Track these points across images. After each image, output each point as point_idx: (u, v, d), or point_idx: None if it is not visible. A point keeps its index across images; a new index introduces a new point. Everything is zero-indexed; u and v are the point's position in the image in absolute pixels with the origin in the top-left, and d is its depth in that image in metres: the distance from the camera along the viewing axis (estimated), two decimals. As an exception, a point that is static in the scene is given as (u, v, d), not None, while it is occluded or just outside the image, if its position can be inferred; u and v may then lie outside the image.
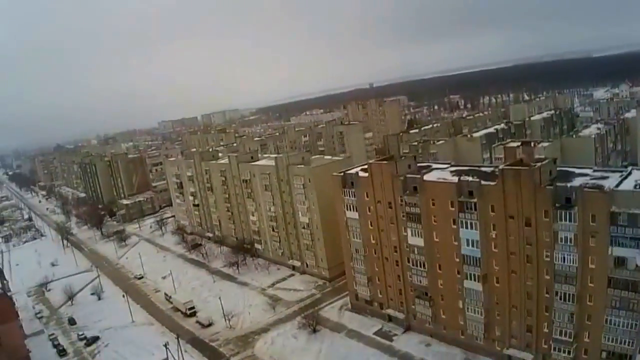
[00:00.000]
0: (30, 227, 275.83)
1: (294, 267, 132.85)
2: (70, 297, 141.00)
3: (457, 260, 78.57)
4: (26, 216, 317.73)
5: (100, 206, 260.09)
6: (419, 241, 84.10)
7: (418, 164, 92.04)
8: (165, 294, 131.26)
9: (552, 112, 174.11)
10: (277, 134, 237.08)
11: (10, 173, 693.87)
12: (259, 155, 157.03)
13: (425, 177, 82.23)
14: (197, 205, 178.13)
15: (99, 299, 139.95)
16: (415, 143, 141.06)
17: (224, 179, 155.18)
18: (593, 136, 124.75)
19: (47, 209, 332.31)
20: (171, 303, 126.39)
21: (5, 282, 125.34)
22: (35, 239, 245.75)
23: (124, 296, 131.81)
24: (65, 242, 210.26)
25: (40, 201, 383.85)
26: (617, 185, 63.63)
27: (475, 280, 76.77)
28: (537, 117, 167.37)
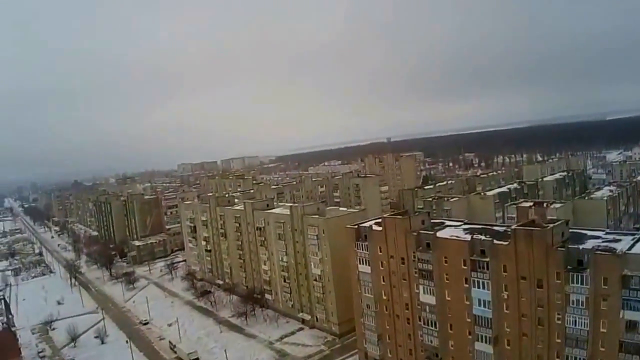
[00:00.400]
0: (40, 263, 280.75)
1: (303, 321, 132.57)
2: (74, 338, 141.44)
3: (469, 320, 78.77)
4: (37, 251, 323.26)
5: (111, 246, 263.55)
6: (430, 299, 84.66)
7: (432, 220, 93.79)
8: (170, 343, 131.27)
9: (565, 173, 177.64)
10: (295, 182, 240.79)
11: (25, 206, 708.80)
12: (275, 203, 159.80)
13: (439, 234, 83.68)
14: (209, 250, 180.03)
15: (102, 342, 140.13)
16: (430, 199, 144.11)
17: (238, 225, 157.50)
18: (605, 198, 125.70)
19: (59, 245, 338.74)
20: (175, 352, 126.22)
21: (10, 316, 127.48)
22: (44, 274, 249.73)
23: (127, 342, 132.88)
24: (73, 280, 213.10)
25: (52, 237, 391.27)
26: (630, 249, 64.70)
27: (486, 342, 76.67)
28: (549, 178, 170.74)
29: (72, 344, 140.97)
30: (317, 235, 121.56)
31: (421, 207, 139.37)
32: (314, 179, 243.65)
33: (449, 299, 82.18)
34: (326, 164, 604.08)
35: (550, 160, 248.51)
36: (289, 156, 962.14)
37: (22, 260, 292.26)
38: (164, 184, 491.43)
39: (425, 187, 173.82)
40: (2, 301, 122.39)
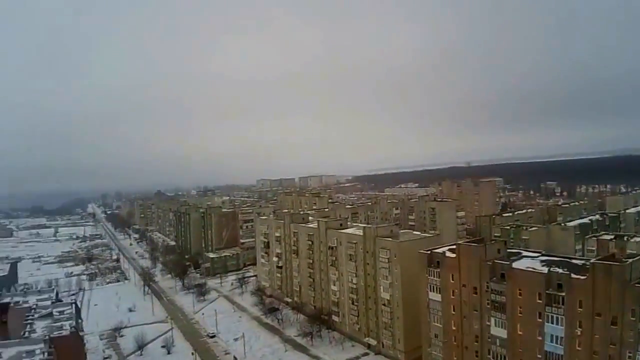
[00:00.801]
0: (117, 269, 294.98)
1: (369, 346, 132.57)
2: (141, 346, 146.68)
3: (539, 356, 77.17)
4: (115, 257, 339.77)
5: (186, 256, 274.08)
6: (501, 332, 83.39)
7: (508, 250, 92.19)
8: (235, 358, 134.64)
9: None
10: (370, 203, 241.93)
11: (108, 212, 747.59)
12: (349, 223, 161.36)
13: (514, 265, 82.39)
14: (281, 267, 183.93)
15: (169, 353, 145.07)
16: (508, 227, 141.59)
17: (310, 243, 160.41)
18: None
19: (137, 252, 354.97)
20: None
21: (80, 321, 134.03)
22: (119, 281, 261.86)
23: (193, 354, 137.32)
24: (146, 288, 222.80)
25: (131, 244, 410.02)
26: None
27: (556, 381, 74.53)
28: (632, 210, 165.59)
29: (139, 352, 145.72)
30: (388, 259, 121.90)
31: (498, 235, 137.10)
32: (389, 201, 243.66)
33: (520, 333, 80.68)
34: (402, 186, 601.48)
35: (635, 192, 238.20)
36: (365, 177, 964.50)
37: (99, 266, 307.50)
38: (242, 198, 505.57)
39: (504, 215, 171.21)
40: (74, 305, 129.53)
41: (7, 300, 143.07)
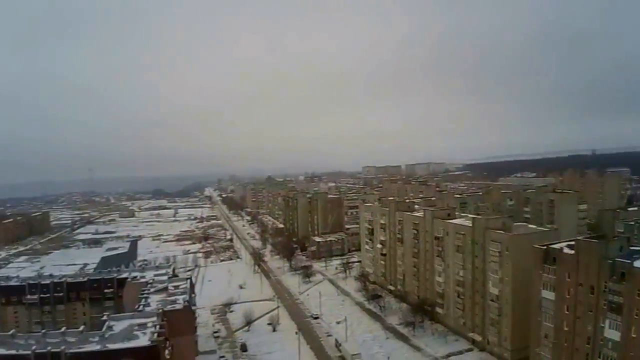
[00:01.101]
0: (230, 248, 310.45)
1: (473, 341, 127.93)
2: (249, 322, 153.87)
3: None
4: (228, 237, 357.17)
5: (294, 239, 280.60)
6: (615, 335, 77.10)
7: (631, 247, 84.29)
8: (336, 341, 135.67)
9: None
10: (480, 193, 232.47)
11: (223, 196, 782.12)
12: (457, 213, 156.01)
13: (635, 264, 75.22)
14: (385, 254, 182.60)
15: (274, 330, 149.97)
16: (632, 223, 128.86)
17: (416, 232, 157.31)
18: None
19: (248, 233, 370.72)
20: (340, 351, 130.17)
21: (193, 295, 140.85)
22: (231, 259, 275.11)
23: (296, 333, 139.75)
24: (256, 267, 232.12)
25: (243, 225, 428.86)
26: None
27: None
28: None
29: (247, 327, 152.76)
30: (499, 252, 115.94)
31: (621, 231, 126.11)
32: (502, 191, 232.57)
33: (634, 336, 74.01)
34: (518, 175, 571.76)
35: None
36: (477, 164, 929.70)
37: (214, 245, 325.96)
38: (348, 185, 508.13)
39: (629, 209, 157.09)
40: (188, 281, 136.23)
41: (125, 275, 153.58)
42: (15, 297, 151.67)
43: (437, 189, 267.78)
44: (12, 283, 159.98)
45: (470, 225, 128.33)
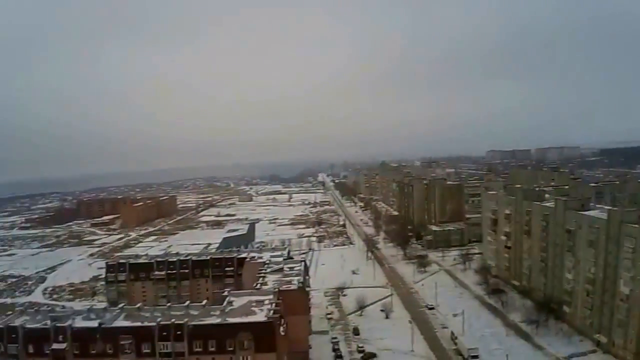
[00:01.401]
0: (342, 234, 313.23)
1: (598, 343, 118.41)
2: (361, 307, 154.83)
3: None
4: (341, 222, 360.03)
5: (409, 227, 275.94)
6: None
7: None
8: (452, 333, 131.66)
9: None
10: (618, 182, 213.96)
11: (336, 181, 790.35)
12: (592, 204, 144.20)
13: None
14: (509, 247, 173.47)
15: (387, 317, 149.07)
16: None
17: (545, 224, 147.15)
18: None
19: (361, 220, 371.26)
20: (456, 344, 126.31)
21: (307, 277, 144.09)
22: (344, 245, 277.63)
23: (410, 322, 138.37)
24: (369, 254, 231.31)
25: (356, 211, 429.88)
26: None
27: None
28: None
29: (359, 312, 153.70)
30: (633, 249, 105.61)
31: None
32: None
33: None
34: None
35: None
36: (615, 150, 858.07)
37: (327, 230, 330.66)
38: (469, 171, 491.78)
39: None
40: (303, 263, 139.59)
41: (244, 255, 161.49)
42: (144, 273, 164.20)
43: (571, 176, 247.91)
44: (141, 261, 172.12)
45: (606, 218, 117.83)
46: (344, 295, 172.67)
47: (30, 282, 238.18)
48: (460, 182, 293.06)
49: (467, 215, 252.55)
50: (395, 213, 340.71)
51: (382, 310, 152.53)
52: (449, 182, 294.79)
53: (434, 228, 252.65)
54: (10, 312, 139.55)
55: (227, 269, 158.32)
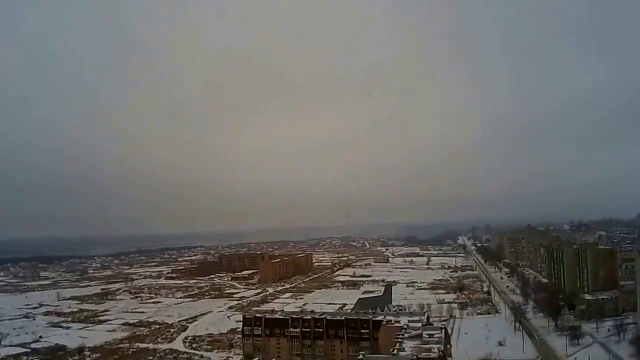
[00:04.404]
0: (487, 301, 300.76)
1: None
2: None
3: None
4: (485, 289, 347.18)
5: (560, 296, 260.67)
6: None
7: None
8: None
9: None
10: None
11: (479, 245, 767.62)
12: None
13: None
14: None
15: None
16: None
17: None
18: None
19: (507, 287, 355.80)
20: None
21: (449, 346, 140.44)
22: (489, 313, 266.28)
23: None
24: (517, 324, 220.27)
25: (502, 278, 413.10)
26: None
27: None
28: None
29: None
30: None
31: None
32: None
33: None
34: None
35: None
36: None
37: (470, 296, 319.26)
38: (621, 235, 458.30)
39: None
40: (443, 331, 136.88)
41: (380, 318, 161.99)
42: (279, 329, 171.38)
43: None
44: (278, 316, 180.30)
45: None
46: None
47: (172, 330, 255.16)
48: (612, 246, 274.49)
49: (622, 283, 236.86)
50: (545, 280, 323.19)
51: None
52: (600, 247, 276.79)
53: (587, 297, 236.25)
54: (151, 358, 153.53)
55: (362, 331, 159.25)
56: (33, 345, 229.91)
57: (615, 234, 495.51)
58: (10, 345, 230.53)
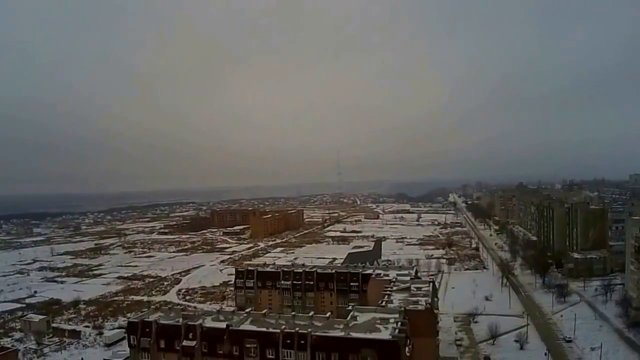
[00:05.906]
0: (475, 257, 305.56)
1: None
2: (494, 336, 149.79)
3: None
4: (473, 245, 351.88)
5: (548, 254, 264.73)
6: None
7: None
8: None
9: None
10: None
11: (469, 202, 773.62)
12: None
13: None
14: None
15: (521, 348, 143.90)
16: None
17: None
18: None
19: (496, 243, 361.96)
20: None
21: (436, 299, 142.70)
22: (477, 269, 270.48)
23: (546, 354, 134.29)
24: (504, 280, 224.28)
25: (490, 235, 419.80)
26: None
27: None
28: None
29: (491, 341, 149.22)
30: None
31: None
32: None
33: None
34: None
35: None
36: None
37: (458, 252, 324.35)
38: (613, 196, 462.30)
39: None
40: (431, 284, 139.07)
41: (369, 271, 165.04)
42: (271, 282, 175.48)
43: None
44: (269, 269, 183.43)
45: None
46: (475, 322, 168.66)
47: (166, 283, 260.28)
48: (603, 206, 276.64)
49: (611, 243, 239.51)
50: (534, 238, 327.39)
51: (516, 341, 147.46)
52: (592, 207, 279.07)
53: (575, 255, 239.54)
54: (145, 309, 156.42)
55: (352, 283, 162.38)
56: (28, 300, 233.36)
57: (607, 194, 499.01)
58: (5, 301, 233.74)
